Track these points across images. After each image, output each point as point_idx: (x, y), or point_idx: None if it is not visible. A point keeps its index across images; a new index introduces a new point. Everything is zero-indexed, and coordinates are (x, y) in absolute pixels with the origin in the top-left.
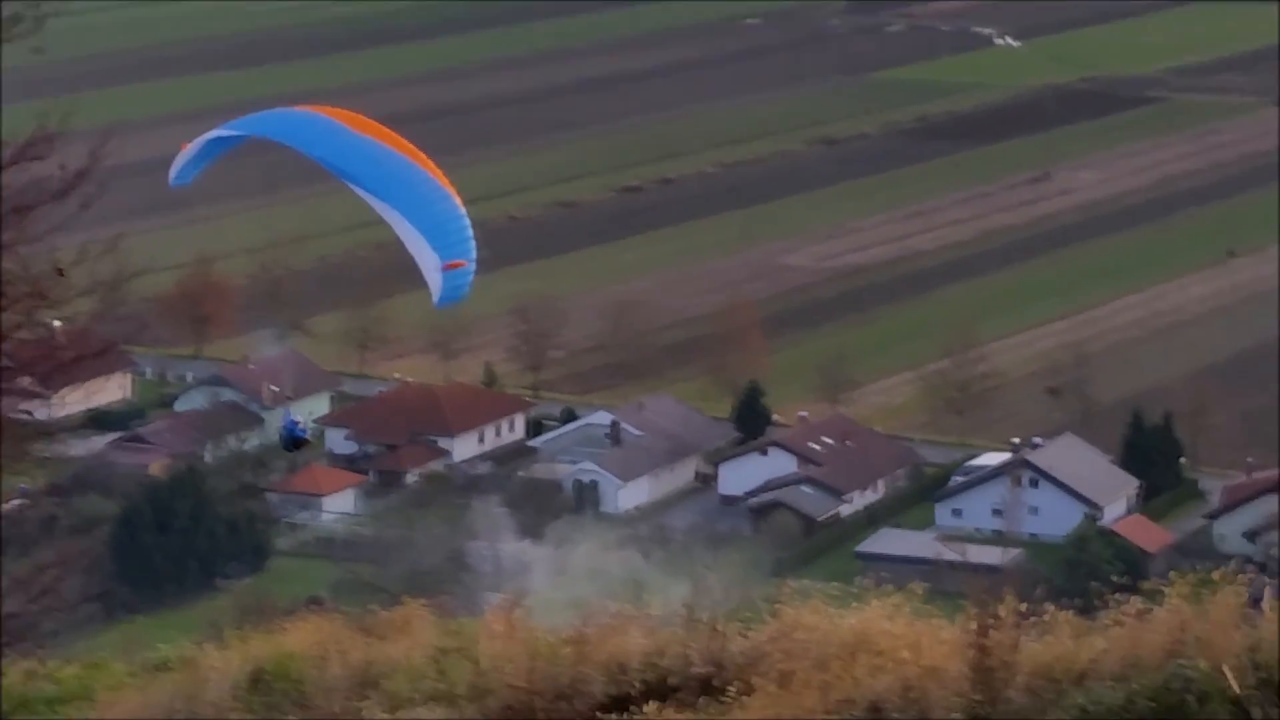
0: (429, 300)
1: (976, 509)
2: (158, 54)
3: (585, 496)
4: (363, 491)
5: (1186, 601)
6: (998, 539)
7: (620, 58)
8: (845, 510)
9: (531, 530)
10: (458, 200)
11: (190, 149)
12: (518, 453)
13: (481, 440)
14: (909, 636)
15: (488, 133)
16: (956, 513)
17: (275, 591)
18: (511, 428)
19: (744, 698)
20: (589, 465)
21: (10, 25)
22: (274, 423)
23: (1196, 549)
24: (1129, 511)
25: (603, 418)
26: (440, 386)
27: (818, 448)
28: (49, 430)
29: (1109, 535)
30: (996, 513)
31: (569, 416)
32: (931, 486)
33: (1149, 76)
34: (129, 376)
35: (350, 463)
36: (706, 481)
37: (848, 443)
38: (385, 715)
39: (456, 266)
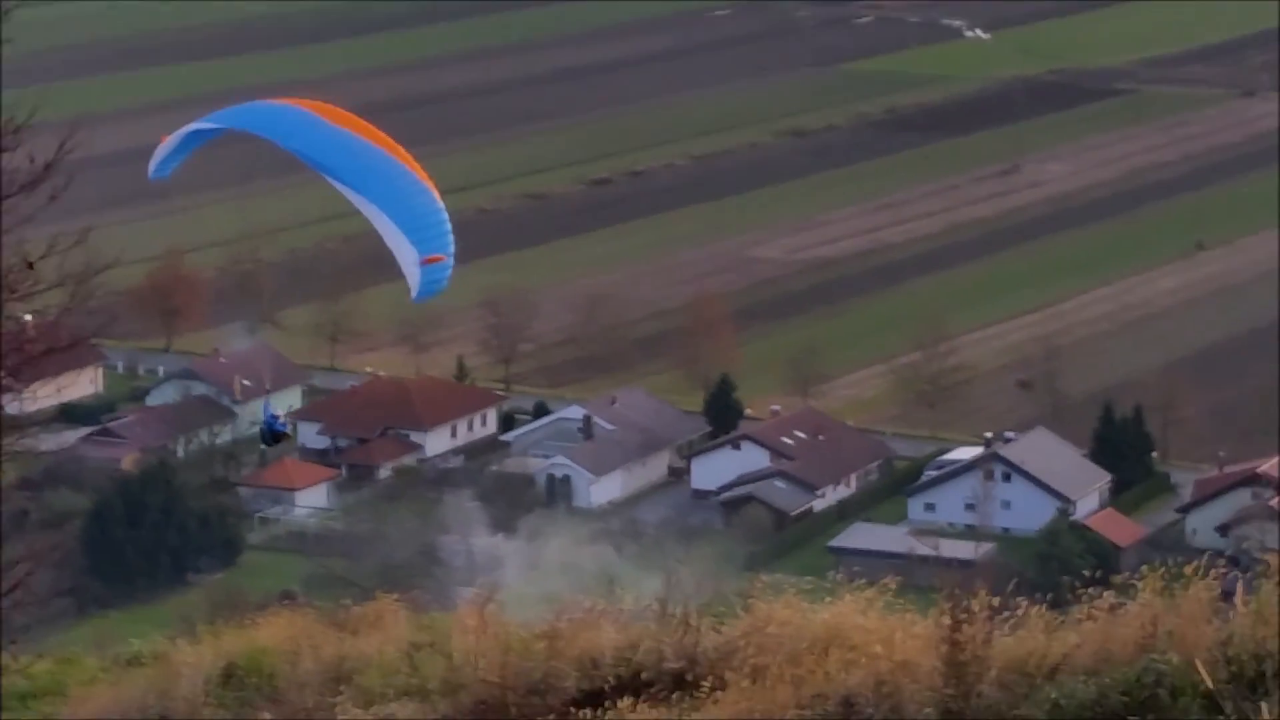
0: (400, 293)
1: (949, 503)
2: (128, 45)
3: (557, 491)
4: (335, 486)
5: (1158, 596)
6: (970, 533)
7: (589, 49)
8: (818, 504)
9: (504, 525)
10: (436, 194)
11: (169, 142)
12: (490, 447)
13: (454, 434)
14: (882, 631)
15: (457, 124)
16: (929, 507)
17: (247, 586)
18: (484, 422)
19: (717, 692)
20: (561, 459)
21: None
22: (245, 417)
23: (1168, 543)
24: (1101, 506)
25: (575, 412)
26: (411, 380)
27: (790, 442)
28: (20, 424)
29: (1081, 529)
30: (969, 507)
31: (541, 410)
32: (903, 480)
33: (1117, 69)
34: (99, 370)
35: (322, 457)
36: (679, 476)
37: (820, 437)
38: (358, 710)
39: (435, 261)
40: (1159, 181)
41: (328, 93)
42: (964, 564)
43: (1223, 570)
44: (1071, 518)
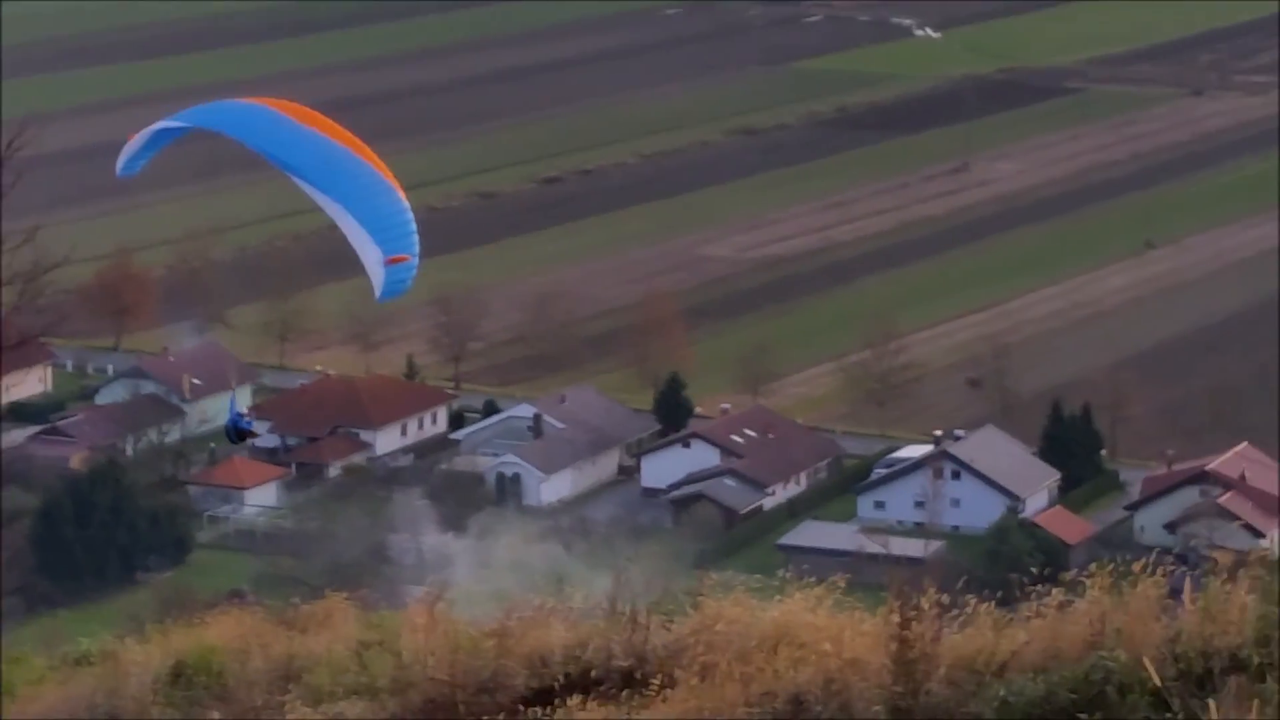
0: (349, 292)
1: (898, 501)
2: (76, 44)
3: (507, 489)
4: (284, 484)
5: (1107, 593)
6: (919, 531)
7: (540, 48)
8: (767, 503)
9: (453, 523)
10: (401, 194)
11: (136, 140)
12: (440, 445)
13: (403, 433)
14: (831, 629)
15: (406, 123)
16: (879, 505)
17: (196, 585)
18: (434, 420)
19: (666, 690)
20: (511, 458)
21: None
22: (195, 415)
23: (1117, 540)
24: (1050, 503)
25: (525, 410)
26: (361, 379)
27: (740, 440)
28: None
29: (1030, 527)
30: (918, 505)
31: (491, 409)
32: (853, 478)
33: (1067, 68)
34: (48, 369)
35: (271, 455)
36: (629, 474)
37: (769, 435)
38: (307, 709)
39: (399, 261)
40: (1108, 180)
41: (274, 92)
42: (913, 562)
43: (1171, 568)
44: (1020, 515)
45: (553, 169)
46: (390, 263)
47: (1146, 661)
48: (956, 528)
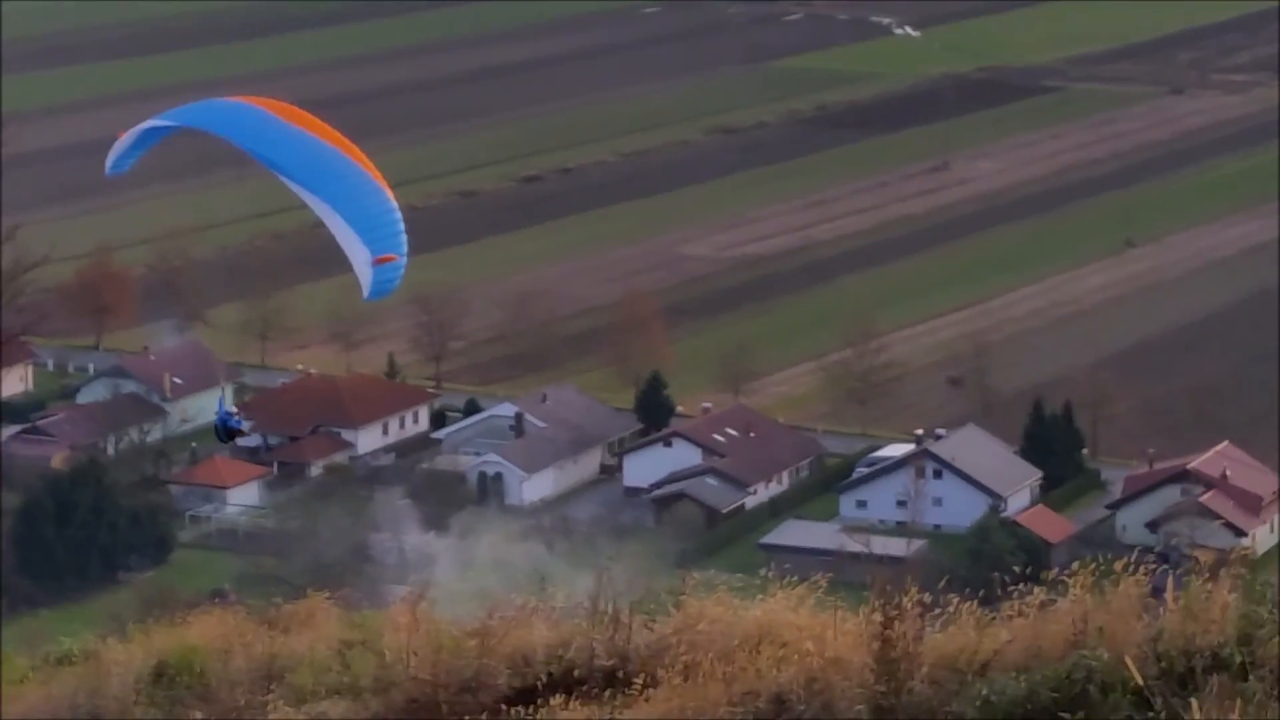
0: (330, 290)
1: (880, 500)
2: (55, 43)
3: (489, 488)
4: (266, 484)
5: (1088, 592)
6: (901, 530)
7: (519, 47)
8: (749, 502)
9: (435, 522)
10: (389, 194)
11: (126, 138)
12: (421, 444)
13: (385, 432)
14: (813, 628)
15: (386, 122)
16: (861, 504)
17: (178, 584)
18: (415, 419)
19: (649, 690)
20: (493, 457)
21: None
22: (175, 414)
23: (1098, 539)
24: (1032, 502)
25: (506, 409)
26: (342, 378)
27: (721, 439)
28: None
29: (1012, 526)
30: (900, 504)
31: (472, 408)
32: (835, 478)
33: (1046, 66)
34: (29, 368)
35: (253, 454)
36: (611, 473)
37: (751, 434)
38: (289, 709)
39: (387, 260)
40: (1088, 179)
41: (254, 91)
42: (895, 561)
43: (1152, 567)
44: (1002, 514)
45: (533, 168)
46: (378, 262)
47: (1128, 660)
48: (938, 527)
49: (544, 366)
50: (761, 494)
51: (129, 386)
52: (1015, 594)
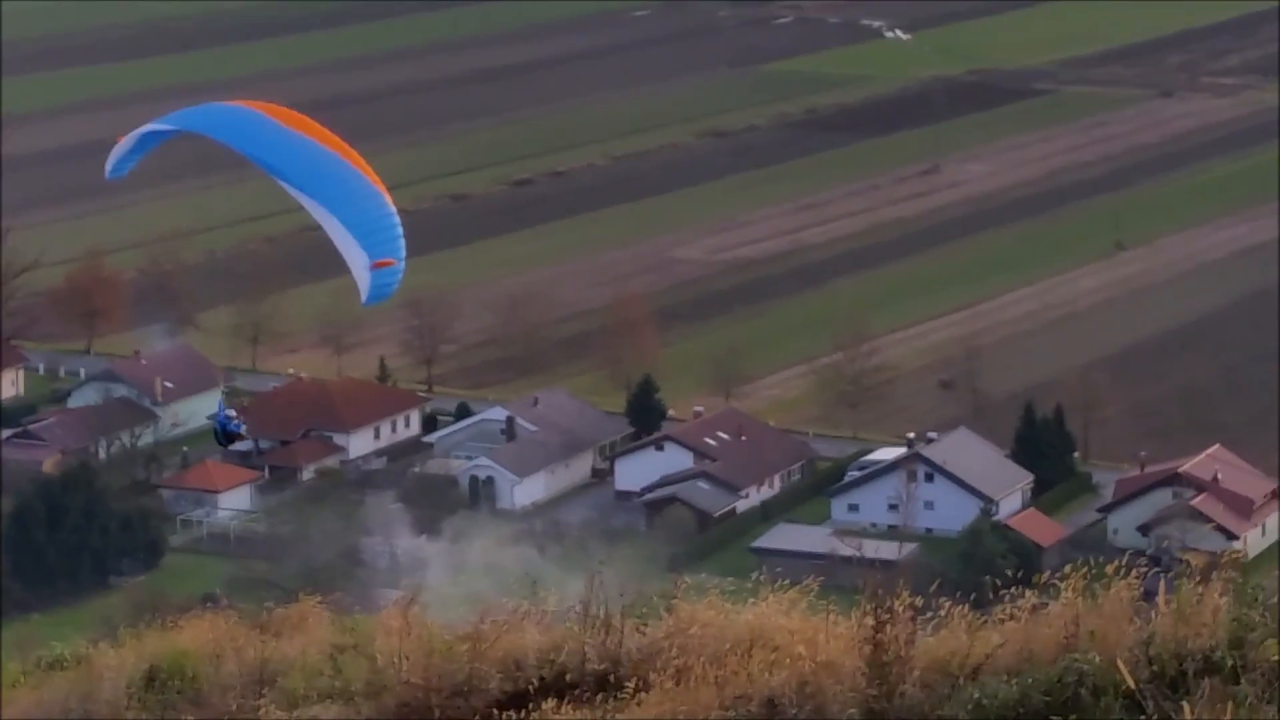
0: (320, 294)
1: (872, 503)
2: (50, 45)
3: (481, 492)
4: (257, 488)
5: (1080, 595)
6: (893, 533)
7: (510, 50)
8: (741, 505)
9: (427, 526)
10: (387, 198)
11: (125, 142)
12: (413, 448)
13: (377, 436)
14: (805, 632)
15: (377, 125)
16: (853, 507)
17: (170, 589)
18: (407, 423)
19: (640, 694)
20: (484, 461)
21: None
22: (167, 418)
23: (1090, 543)
24: (1023, 506)
25: (498, 413)
26: (333, 382)
27: (713, 443)
28: None
29: (1003, 529)
30: (892, 507)
31: (463, 412)
32: (826, 481)
33: (1037, 69)
34: (20, 372)
35: (244, 459)
36: (602, 477)
37: (742, 437)
38: (281, 713)
39: (385, 265)
40: (1078, 181)
41: (244, 94)
42: (887, 564)
43: (1144, 570)
44: (994, 518)
45: (524, 171)
46: (376, 267)
47: (1120, 663)
48: (930, 530)
49: (535, 370)
50: (753, 497)
51: (120, 390)
52: (1007, 597)
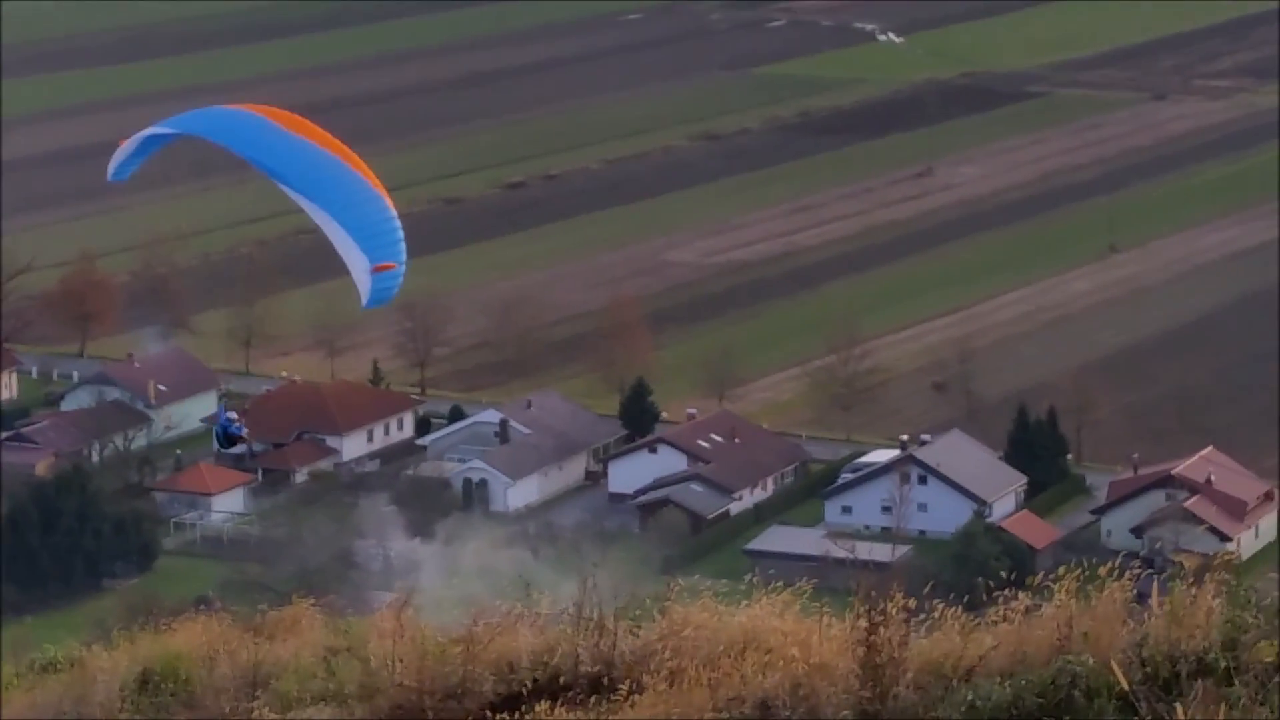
0: (313, 297)
1: (865, 506)
2: (36, 50)
3: (474, 495)
4: (250, 490)
5: (1073, 597)
6: (886, 536)
7: (503, 53)
8: (734, 507)
9: (420, 529)
10: (388, 201)
11: (128, 145)
12: (406, 451)
13: (370, 439)
14: (798, 634)
15: (370, 128)
16: (846, 509)
17: (163, 591)
18: (400, 426)
19: (634, 696)
20: (478, 463)
21: None
22: (160, 421)
23: (1083, 544)
24: (1016, 508)
25: (491, 415)
26: (327, 384)
27: (706, 445)
28: None
29: (996, 531)
30: (885, 509)
31: (457, 415)
32: (819, 484)
33: (1030, 72)
34: (13, 375)
35: (237, 461)
36: (595, 479)
37: (736, 440)
38: (274, 715)
39: (386, 269)
40: (1071, 184)
41: (240, 96)
42: (880, 566)
43: (1137, 572)
44: (987, 520)
45: (517, 174)
46: (377, 270)
47: (1114, 665)
48: (923, 532)
49: (528, 373)
50: (746, 500)
51: (113, 393)
52: (1000, 599)
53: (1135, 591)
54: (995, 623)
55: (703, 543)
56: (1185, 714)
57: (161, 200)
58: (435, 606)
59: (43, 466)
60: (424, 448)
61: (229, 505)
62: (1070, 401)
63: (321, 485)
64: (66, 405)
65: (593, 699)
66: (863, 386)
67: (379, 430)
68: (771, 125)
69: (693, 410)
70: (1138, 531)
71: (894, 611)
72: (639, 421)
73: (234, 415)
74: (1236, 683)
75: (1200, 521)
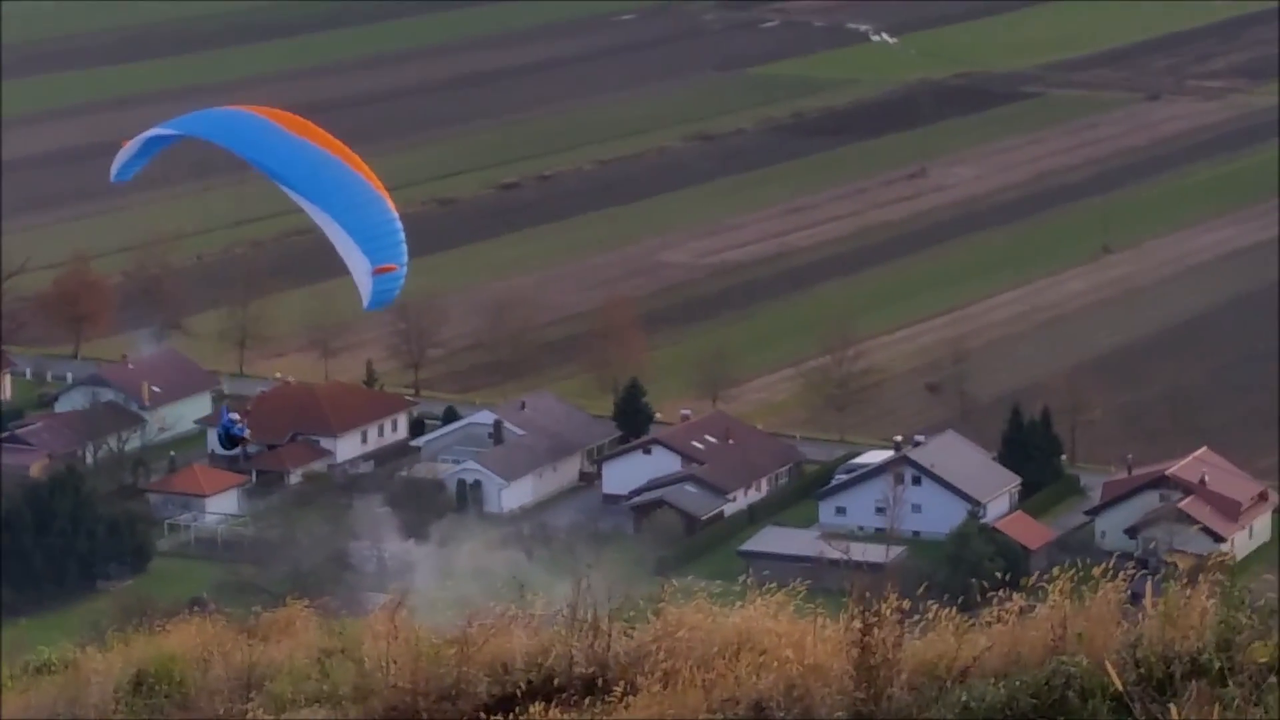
0: (308, 298)
1: (859, 506)
2: (42, 49)
3: (468, 496)
4: (245, 492)
5: (1067, 598)
6: (880, 536)
7: (496, 54)
8: (728, 508)
9: (415, 530)
10: (389, 203)
11: (130, 147)
12: (400, 452)
13: (364, 440)
14: (792, 635)
15: (364, 129)
16: (840, 510)
17: (157, 593)
18: (394, 427)
19: (628, 697)
20: (472, 464)
21: None
22: (154, 423)
23: (1077, 545)
24: (1011, 508)
25: (485, 417)
26: (321, 386)
27: (700, 446)
28: None
29: (991, 532)
30: (879, 510)
31: (451, 416)
32: (813, 484)
33: (1024, 72)
34: (7, 376)
35: (232, 463)
36: (590, 480)
37: (730, 441)
38: (269, 717)
39: (387, 270)
40: (1065, 185)
41: (237, 96)
42: (874, 567)
43: (1131, 572)
44: (981, 520)
45: (511, 175)
46: (378, 272)
47: (1108, 666)
48: (917, 533)
49: (523, 374)
50: (740, 501)
51: (107, 395)
52: (994, 600)
53: (1129, 592)
54: (989, 624)
55: (697, 544)
56: (1180, 715)
57: (161, 200)
58: (429, 608)
59: (37, 468)
60: (418, 449)
61: (223, 507)
62: (1064, 402)
63: (316, 486)
64: (60, 407)
65: (587, 700)
66: (857, 387)
67: (373, 431)
68: (765, 126)
69: (687, 411)
70: (1132, 532)
71: (888, 612)
72: (633, 422)
73: (236, 416)
74: (1231, 683)
75: (1194, 522)
